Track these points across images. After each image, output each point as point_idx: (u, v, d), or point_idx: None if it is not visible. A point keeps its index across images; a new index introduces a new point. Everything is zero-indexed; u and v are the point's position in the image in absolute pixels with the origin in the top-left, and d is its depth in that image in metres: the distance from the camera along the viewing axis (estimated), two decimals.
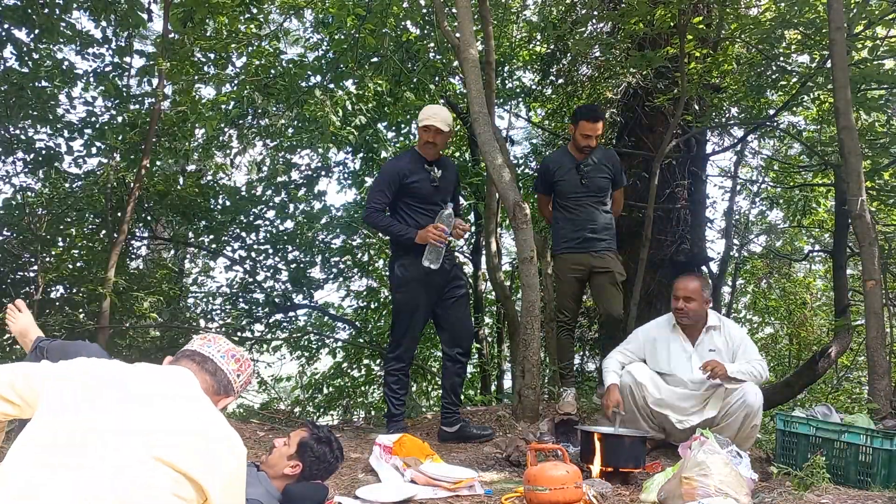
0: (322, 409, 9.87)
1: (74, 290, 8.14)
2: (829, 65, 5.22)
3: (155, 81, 7.34)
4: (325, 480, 2.93)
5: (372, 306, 10.09)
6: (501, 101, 9.25)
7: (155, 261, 10.73)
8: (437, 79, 8.50)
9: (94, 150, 7.78)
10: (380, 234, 9.80)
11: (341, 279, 9.90)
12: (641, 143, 7.83)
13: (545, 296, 5.85)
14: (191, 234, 9.75)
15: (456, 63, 7.35)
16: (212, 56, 7.57)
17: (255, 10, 7.76)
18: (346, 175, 9.57)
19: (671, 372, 4.06)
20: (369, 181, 9.55)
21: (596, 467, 3.53)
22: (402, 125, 8.95)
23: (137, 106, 7.77)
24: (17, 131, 7.39)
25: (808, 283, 11.03)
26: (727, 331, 4.11)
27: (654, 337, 4.18)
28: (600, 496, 3.11)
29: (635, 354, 4.19)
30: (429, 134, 4.26)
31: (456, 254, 4.67)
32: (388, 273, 4.48)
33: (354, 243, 9.70)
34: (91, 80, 7.26)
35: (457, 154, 10.06)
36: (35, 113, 7.01)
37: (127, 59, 7.37)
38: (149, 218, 8.96)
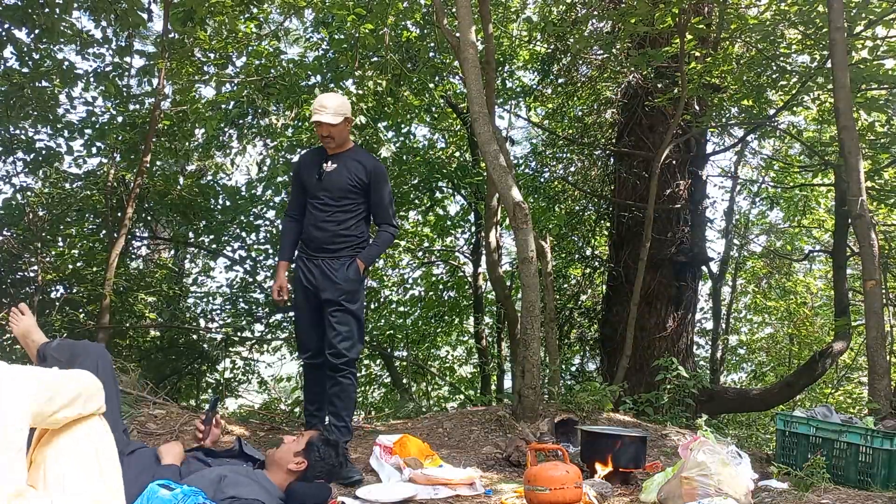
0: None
1: (74, 290, 8.13)
2: (829, 65, 5.23)
3: (155, 81, 7.33)
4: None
5: (372, 306, 10.09)
6: (501, 101, 9.25)
7: (155, 261, 10.73)
8: (437, 78, 8.49)
9: (94, 150, 7.78)
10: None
11: None
12: (641, 143, 7.83)
13: (545, 296, 5.85)
14: (191, 234, 9.74)
15: (456, 63, 7.34)
16: (212, 56, 7.56)
17: (254, 10, 7.74)
18: None
19: None
20: None
21: (601, 469, 3.52)
22: (402, 125, 8.95)
23: (137, 106, 7.76)
24: (17, 131, 7.37)
25: (808, 283, 11.04)
26: None
27: None
28: (600, 496, 3.11)
29: None
30: (321, 128, 3.68)
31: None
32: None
33: None
34: (91, 80, 7.25)
35: (457, 154, 10.06)
36: (35, 113, 6.99)
37: (127, 59, 7.36)
38: (149, 218, 8.95)
